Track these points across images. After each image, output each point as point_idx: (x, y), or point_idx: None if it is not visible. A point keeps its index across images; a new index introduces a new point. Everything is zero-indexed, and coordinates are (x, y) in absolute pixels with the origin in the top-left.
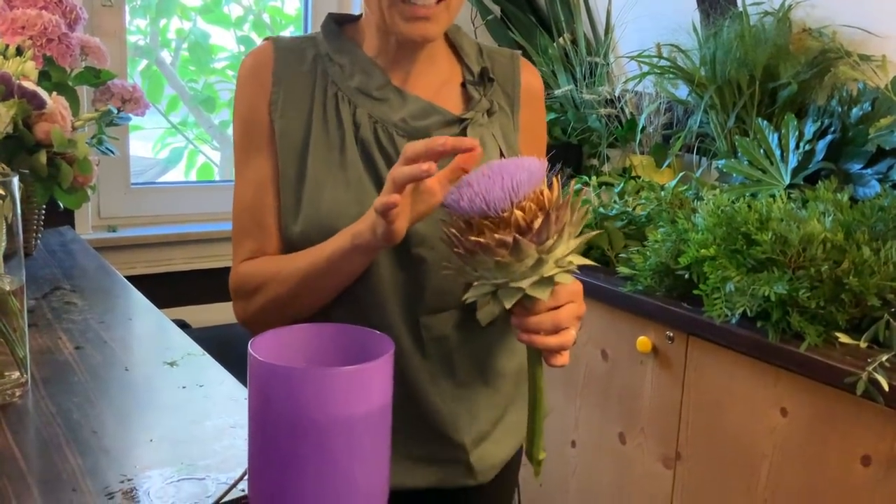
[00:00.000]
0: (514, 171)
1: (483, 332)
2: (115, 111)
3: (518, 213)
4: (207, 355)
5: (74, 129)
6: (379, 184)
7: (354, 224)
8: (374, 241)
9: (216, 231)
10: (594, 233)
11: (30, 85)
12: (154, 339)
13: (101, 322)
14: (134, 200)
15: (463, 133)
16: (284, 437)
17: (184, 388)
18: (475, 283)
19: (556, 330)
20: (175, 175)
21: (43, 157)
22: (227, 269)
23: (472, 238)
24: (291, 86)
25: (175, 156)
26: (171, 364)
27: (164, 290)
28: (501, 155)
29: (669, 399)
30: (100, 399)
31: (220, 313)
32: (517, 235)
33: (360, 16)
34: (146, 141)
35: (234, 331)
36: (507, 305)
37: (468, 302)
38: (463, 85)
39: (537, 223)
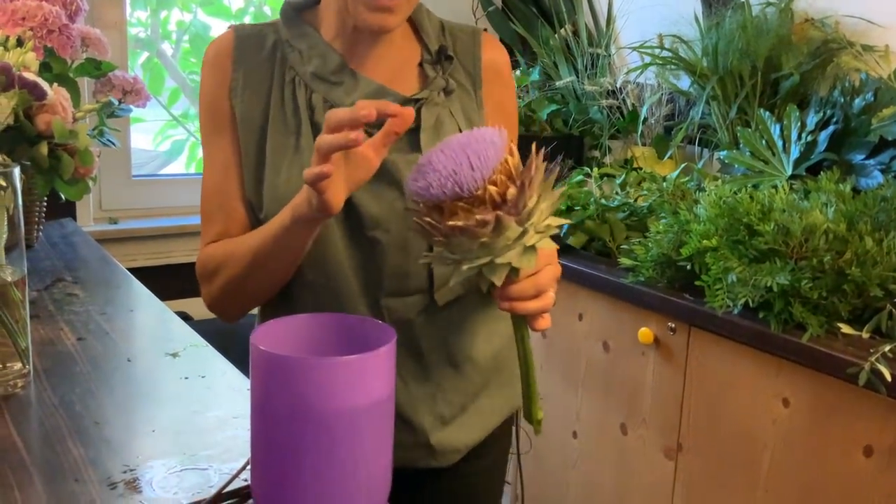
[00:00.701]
0: (478, 146)
1: (453, 317)
2: (116, 103)
3: (492, 188)
4: (209, 346)
5: (75, 120)
6: None
7: (294, 198)
8: (311, 212)
9: None
10: (561, 190)
11: (30, 76)
12: (156, 330)
13: (102, 313)
14: (135, 192)
15: (416, 114)
16: (286, 426)
17: (186, 378)
18: (462, 267)
19: (537, 294)
20: (176, 167)
21: (44, 149)
22: None
23: (451, 223)
24: (251, 71)
25: (176, 148)
26: (174, 355)
27: (166, 281)
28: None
29: (671, 390)
30: (102, 390)
31: None
32: (499, 213)
33: (319, 0)
34: (147, 133)
35: (236, 323)
36: (498, 282)
37: (451, 285)
38: (420, 65)
39: (511, 194)
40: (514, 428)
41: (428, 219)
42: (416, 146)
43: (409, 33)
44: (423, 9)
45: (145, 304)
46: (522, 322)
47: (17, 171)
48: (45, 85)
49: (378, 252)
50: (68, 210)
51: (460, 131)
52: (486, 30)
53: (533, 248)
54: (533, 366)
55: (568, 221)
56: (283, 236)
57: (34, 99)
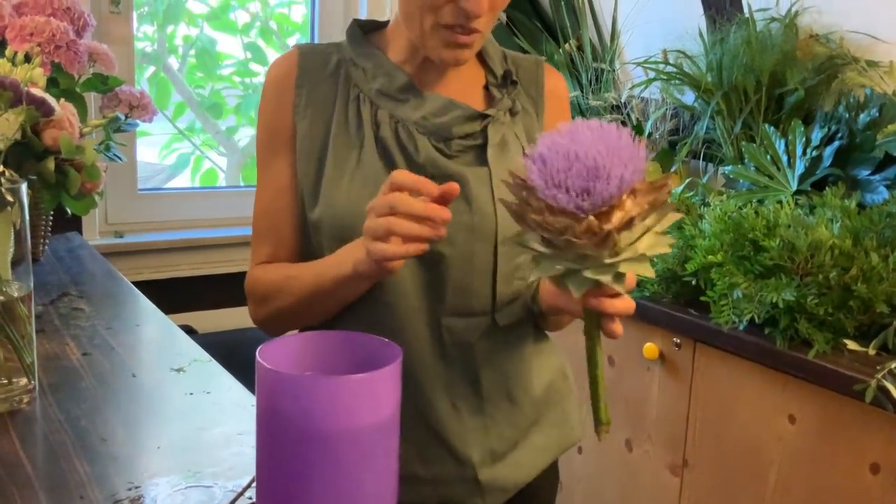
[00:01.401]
0: (622, 162)
1: (513, 345)
2: (123, 117)
3: (628, 202)
4: (214, 361)
5: (82, 135)
6: None
7: (356, 248)
8: (373, 273)
9: (223, 237)
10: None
11: (38, 92)
12: (161, 345)
13: (108, 328)
14: (141, 206)
15: (484, 130)
16: (292, 444)
17: (191, 394)
18: (556, 266)
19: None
20: (181, 180)
21: (51, 164)
22: (233, 275)
23: (581, 232)
24: (314, 89)
25: (182, 161)
26: (179, 370)
27: (171, 295)
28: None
29: (676, 406)
30: (107, 406)
31: (227, 319)
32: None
33: (387, 23)
34: (153, 147)
35: (241, 336)
36: (577, 294)
37: (531, 280)
38: (486, 87)
39: (641, 215)
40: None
41: (552, 218)
42: (483, 161)
43: (473, 58)
44: (487, 37)
45: (151, 318)
46: (597, 326)
47: (24, 186)
48: (52, 101)
49: (442, 267)
50: (74, 224)
51: (524, 152)
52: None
53: (644, 256)
54: (602, 368)
55: (672, 242)
56: (343, 284)
57: (42, 115)
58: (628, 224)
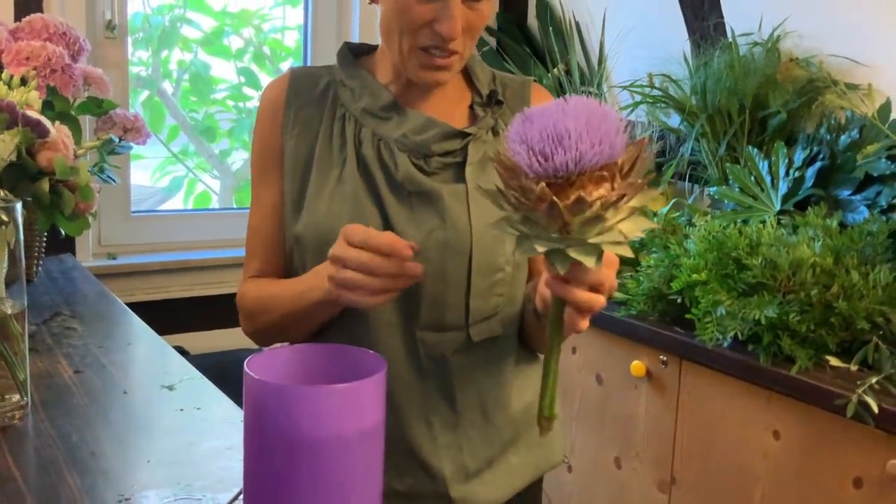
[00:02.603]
0: (591, 139)
1: (491, 362)
2: (117, 140)
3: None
4: (205, 379)
5: (76, 157)
6: (375, 197)
7: (320, 277)
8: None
9: (215, 258)
10: (655, 194)
11: (33, 114)
12: (152, 363)
13: (100, 347)
14: (134, 228)
15: (465, 148)
16: (279, 454)
17: (181, 410)
18: (534, 245)
19: (594, 287)
20: (174, 204)
21: (45, 185)
22: (225, 296)
23: (579, 196)
24: (302, 110)
25: (175, 184)
26: (169, 388)
27: (164, 316)
28: None
29: (664, 423)
30: (98, 422)
31: (219, 339)
32: (619, 193)
33: (377, 47)
34: (146, 170)
35: (232, 356)
36: (562, 271)
37: (514, 256)
38: (471, 107)
39: (624, 186)
40: (542, 494)
41: (537, 186)
42: (461, 178)
43: (460, 79)
44: (476, 57)
45: (143, 337)
46: (562, 313)
47: (18, 206)
48: (47, 123)
49: (416, 282)
50: (67, 245)
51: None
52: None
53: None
54: (558, 362)
55: (655, 226)
56: (316, 308)
57: (37, 137)
58: (579, 203)
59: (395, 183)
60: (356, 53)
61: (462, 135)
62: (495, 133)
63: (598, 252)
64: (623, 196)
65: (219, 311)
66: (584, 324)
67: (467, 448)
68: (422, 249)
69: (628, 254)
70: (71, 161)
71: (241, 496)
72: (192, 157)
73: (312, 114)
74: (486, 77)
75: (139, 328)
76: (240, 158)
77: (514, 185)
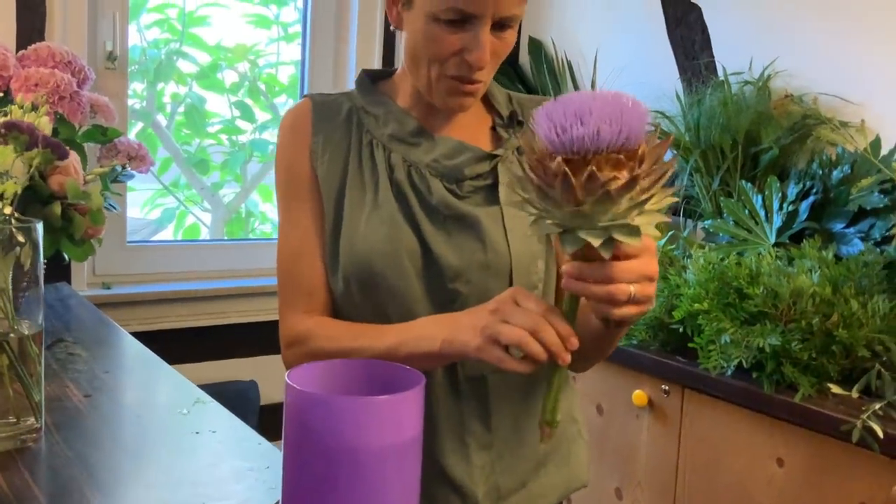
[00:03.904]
0: (611, 121)
1: (526, 382)
2: (121, 168)
3: (639, 151)
4: (216, 402)
5: (86, 182)
6: (411, 221)
7: (440, 326)
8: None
9: (212, 289)
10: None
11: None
12: (162, 387)
13: (106, 372)
14: (129, 258)
15: (494, 170)
16: (320, 465)
17: (197, 433)
18: (547, 222)
19: (608, 281)
20: (164, 236)
21: (57, 208)
22: (221, 328)
23: (603, 176)
24: (329, 135)
25: (167, 216)
26: (183, 412)
27: (159, 347)
28: None
29: (666, 452)
30: (114, 444)
31: (212, 371)
32: (634, 175)
33: (394, 71)
34: (134, 204)
35: (228, 387)
36: (605, 254)
37: (529, 234)
38: (493, 129)
39: (644, 171)
40: None
41: (561, 162)
42: (495, 200)
43: (478, 103)
44: (492, 81)
45: (148, 363)
46: (575, 307)
47: (39, 226)
48: (65, 146)
49: (458, 305)
50: (63, 275)
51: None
52: None
53: (637, 228)
54: (564, 370)
55: (667, 220)
56: (423, 359)
57: (56, 158)
58: (592, 180)
59: (430, 207)
60: (373, 79)
61: (491, 157)
62: (520, 153)
63: (606, 235)
64: (637, 181)
65: (214, 342)
66: (621, 312)
67: (501, 468)
68: (463, 273)
69: (638, 244)
70: (82, 186)
71: None
72: (183, 189)
73: (339, 139)
74: (504, 98)
75: (144, 354)
76: (231, 191)
77: (534, 164)
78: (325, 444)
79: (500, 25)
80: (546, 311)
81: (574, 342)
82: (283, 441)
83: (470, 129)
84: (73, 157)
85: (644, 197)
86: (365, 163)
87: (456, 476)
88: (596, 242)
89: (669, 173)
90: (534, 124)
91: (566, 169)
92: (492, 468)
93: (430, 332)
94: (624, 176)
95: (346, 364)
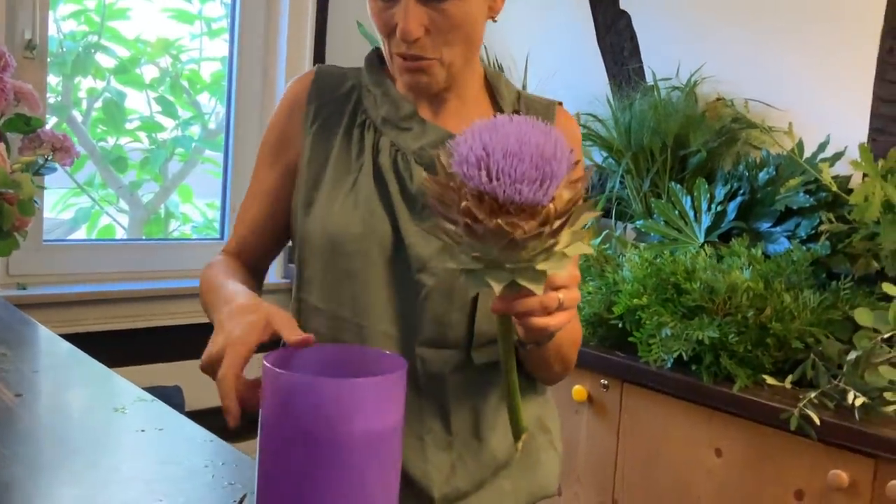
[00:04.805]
0: (551, 157)
1: (489, 384)
2: (43, 160)
3: (552, 206)
4: (159, 401)
5: (12, 172)
6: (388, 207)
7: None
8: None
9: (133, 290)
10: (589, 229)
11: None
12: (97, 386)
13: (35, 371)
14: (46, 257)
15: None
16: (301, 450)
17: (143, 431)
18: (465, 261)
19: (544, 311)
20: (79, 236)
21: None
22: (143, 330)
23: (498, 222)
24: (323, 107)
25: (81, 216)
26: (121, 410)
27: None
28: None
29: (605, 447)
30: (53, 443)
31: (137, 376)
32: (543, 230)
33: None
34: (45, 205)
35: (153, 393)
36: (497, 290)
37: (448, 266)
38: None
39: (556, 223)
40: None
41: (467, 204)
42: None
43: (484, 97)
44: (502, 78)
45: (80, 362)
46: (507, 326)
47: None
48: None
49: (421, 297)
50: None
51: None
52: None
53: (543, 272)
54: (515, 374)
55: (589, 251)
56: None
57: None
58: (499, 230)
59: (408, 194)
60: (383, 60)
61: None
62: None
63: (509, 279)
64: (555, 238)
65: (135, 345)
66: (541, 321)
67: (459, 468)
68: (430, 264)
69: (540, 291)
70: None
71: (245, 500)
72: (98, 189)
73: (332, 113)
74: (512, 96)
75: (72, 353)
76: (150, 190)
77: (443, 184)
78: (306, 429)
79: None
80: (234, 365)
81: (230, 410)
82: (259, 427)
83: (469, 121)
84: None
85: (552, 242)
86: (354, 141)
87: (412, 473)
88: (497, 288)
89: (587, 214)
90: (455, 146)
91: (474, 211)
92: (451, 468)
93: (219, 314)
94: (533, 227)
95: (325, 350)
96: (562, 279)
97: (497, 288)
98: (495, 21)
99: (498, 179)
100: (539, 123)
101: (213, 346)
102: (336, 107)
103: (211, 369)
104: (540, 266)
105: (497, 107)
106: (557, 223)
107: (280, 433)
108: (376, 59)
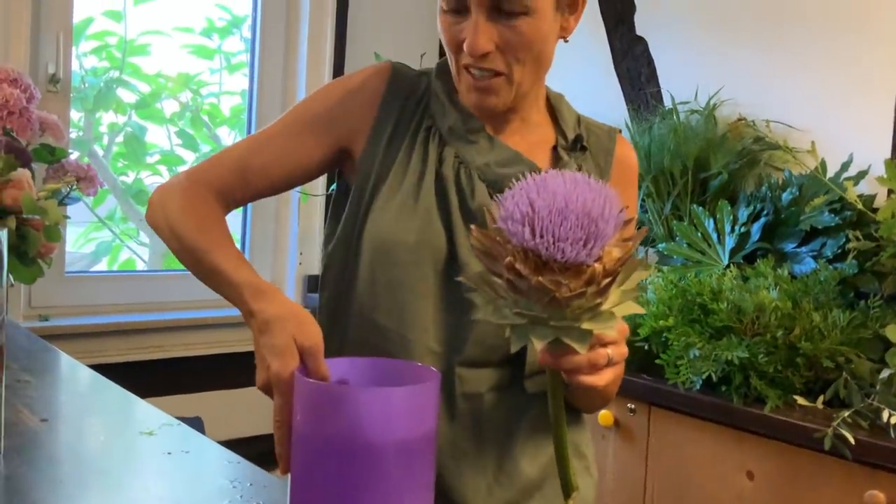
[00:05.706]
0: (598, 217)
1: (519, 400)
2: (67, 190)
3: (598, 266)
4: (185, 425)
5: (38, 199)
6: (446, 218)
7: (264, 326)
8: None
9: (154, 321)
10: (635, 286)
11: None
12: (123, 410)
13: (60, 397)
14: (67, 289)
15: None
16: (335, 461)
17: (169, 454)
18: (511, 316)
19: (592, 368)
20: (100, 269)
21: (12, 222)
22: (164, 361)
23: (541, 280)
24: (398, 107)
25: (102, 250)
26: (149, 433)
27: None
28: None
29: (633, 472)
30: (80, 465)
31: (158, 407)
32: (587, 290)
33: None
34: (66, 239)
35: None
36: (538, 346)
37: (486, 317)
38: (554, 148)
39: (603, 282)
40: None
41: (516, 262)
42: None
43: (546, 119)
44: (564, 100)
45: (104, 388)
46: (559, 381)
47: (4, 234)
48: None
49: (469, 316)
50: None
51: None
52: None
53: (589, 332)
54: (565, 429)
55: (640, 311)
56: (231, 302)
57: (20, 164)
58: (542, 287)
59: (467, 209)
60: None
61: None
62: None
63: (553, 337)
64: (602, 297)
65: (157, 377)
66: (590, 379)
67: (496, 489)
68: None
69: (584, 350)
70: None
71: None
72: (119, 222)
73: (404, 114)
74: (573, 119)
75: (95, 379)
76: None
77: (491, 237)
78: (342, 439)
79: (503, 13)
80: (287, 413)
81: (284, 457)
82: (293, 439)
83: (531, 143)
84: (25, 172)
85: (598, 301)
86: (418, 148)
87: (450, 496)
88: (539, 345)
89: (638, 273)
90: (502, 201)
91: (518, 267)
92: (488, 491)
93: (248, 300)
94: (577, 286)
95: (357, 362)
96: (610, 336)
97: (539, 345)
98: (567, 41)
99: (542, 237)
100: (590, 180)
101: (260, 371)
102: (408, 109)
103: (266, 392)
104: (586, 325)
105: (559, 129)
106: (604, 282)
107: (314, 444)
108: (447, 67)
